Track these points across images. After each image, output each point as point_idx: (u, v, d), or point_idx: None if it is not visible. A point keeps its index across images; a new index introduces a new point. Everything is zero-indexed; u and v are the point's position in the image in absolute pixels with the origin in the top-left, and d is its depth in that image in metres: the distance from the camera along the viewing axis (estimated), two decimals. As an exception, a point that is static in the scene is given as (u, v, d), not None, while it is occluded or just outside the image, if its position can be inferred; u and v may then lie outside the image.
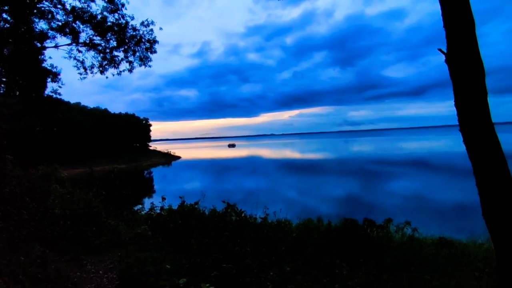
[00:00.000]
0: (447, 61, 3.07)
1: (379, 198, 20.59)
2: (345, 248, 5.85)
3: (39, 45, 9.71)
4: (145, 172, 51.02)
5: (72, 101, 57.69)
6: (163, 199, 10.25)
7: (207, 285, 3.78)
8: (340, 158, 52.30)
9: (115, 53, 10.18)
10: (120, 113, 67.81)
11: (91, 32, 10.00)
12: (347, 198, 21.44)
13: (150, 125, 74.15)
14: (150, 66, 10.83)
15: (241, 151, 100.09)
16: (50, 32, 9.75)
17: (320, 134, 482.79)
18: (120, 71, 10.79)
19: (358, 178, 29.57)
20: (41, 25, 9.48)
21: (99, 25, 9.69)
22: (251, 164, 51.74)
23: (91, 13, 9.63)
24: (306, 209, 18.71)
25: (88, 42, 10.10)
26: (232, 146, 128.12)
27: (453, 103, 3.02)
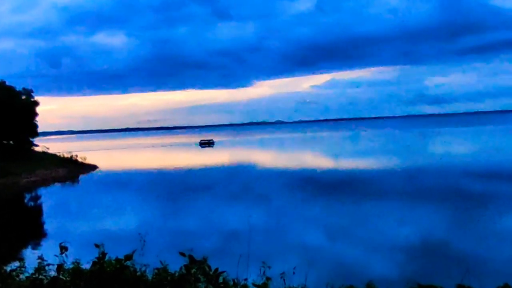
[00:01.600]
0: None
1: (486, 246, 20.87)
2: None
3: None
4: (27, 195, 51.56)
5: None
6: (63, 249, 9.71)
7: None
8: (409, 168, 53.25)
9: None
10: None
11: None
12: (422, 245, 21.67)
13: (37, 103, 74.97)
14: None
15: (221, 154, 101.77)
16: None
17: (371, 121, 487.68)
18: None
19: (443, 207, 30.11)
20: None
21: None
22: (238, 179, 52.46)
23: None
24: (342, 267, 19.01)
25: None
26: (207, 144, 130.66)
27: None
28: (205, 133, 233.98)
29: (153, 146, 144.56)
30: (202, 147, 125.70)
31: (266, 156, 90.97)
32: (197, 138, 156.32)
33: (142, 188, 49.78)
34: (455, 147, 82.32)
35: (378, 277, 13.19)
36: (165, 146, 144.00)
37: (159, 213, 34.38)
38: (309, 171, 56.78)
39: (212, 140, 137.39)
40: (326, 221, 28.06)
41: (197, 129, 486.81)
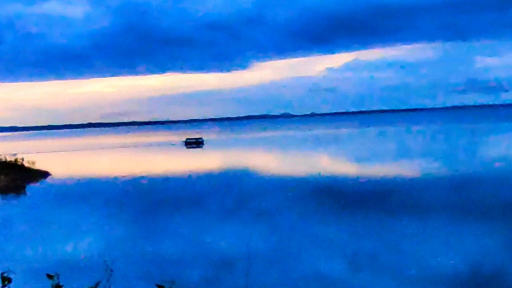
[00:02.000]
0: None
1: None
2: None
3: None
4: None
5: None
6: (6, 280, 9.98)
7: None
8: (455, 176, 53.64)
9: None
10: None
11: None
12: (472, 277, 21.87)
13: None
14: None
15: (211, 157, 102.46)
16: None
17: (405, 114, 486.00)
18: None
19: (500, 227, 30.14)
20: None
21: None
22: (234, 190, 52.80)
23: None
24: None
25: None
26: (194, 143, 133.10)
27: None
28: (190, 130, 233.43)
29: (123, 147, 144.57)
30: (188, 147, 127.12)
31: (269, 160, 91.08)
32: (180, 136, 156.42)
33: (109, 201, 49.87)
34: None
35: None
36: (139, 146, 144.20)
37: (131, 234, 34.44)
38: (325, 179, 56.83)
39: (201, 138, 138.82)
40: (348, 245, 28.15)
41: (179, 125, 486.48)
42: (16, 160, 73.33)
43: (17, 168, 71.64)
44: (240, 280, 18.13)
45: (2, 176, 67.50)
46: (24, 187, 63.88)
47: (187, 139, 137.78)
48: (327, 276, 23.34)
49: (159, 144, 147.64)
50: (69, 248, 30.62)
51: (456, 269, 23.07)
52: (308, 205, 42.21)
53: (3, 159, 73.43)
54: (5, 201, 56.51)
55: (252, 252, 24.56)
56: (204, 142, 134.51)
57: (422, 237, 29.32)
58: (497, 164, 61.18)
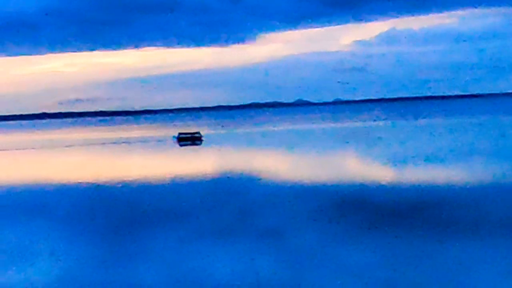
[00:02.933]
0: None
1: None
2: None
3: None
4: None
5: None
6: None
7: None
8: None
9: None
10: None
11: None
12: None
13: None
14: None
15: (205, 158, 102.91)
16: None
17: (462, 102, 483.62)
18: None
19: None
20: None
21: None
22: (235, 202, 53.06)
23: None
24: None
25: None
26: (190, 140, 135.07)
27: None
28: (177, 122, 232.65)
29: (87, 145, 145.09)
30: (181, 144, 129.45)
31: (280, 161, 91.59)
32: (169, 130, 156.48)
33: (70, 216, 50.23)
34: None
35: None
36: (112, 143, 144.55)
37: (98, 260, 34.52)
38: (352, 188, 57.19)
39: (198, 133, 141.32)
40: (381, 273, 27.88)
41: (163, 116, 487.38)
42: None
43: None
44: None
45: None
46: None
47: (179, 134, 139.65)
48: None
49: (142, 141, 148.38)
50: (15, 277, 30.67)
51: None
52: (327, 217, 42.67)
53: None
54: None
55: (259, 275, 24.56)
56: (203, 139, 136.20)
57: (469, 258, 29.41)
58: None
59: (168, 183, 69.20)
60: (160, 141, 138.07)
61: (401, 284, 26.74)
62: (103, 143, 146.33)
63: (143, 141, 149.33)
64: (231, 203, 53.28)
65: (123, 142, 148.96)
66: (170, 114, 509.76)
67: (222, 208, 50.63)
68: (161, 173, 79.60)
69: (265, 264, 30.35)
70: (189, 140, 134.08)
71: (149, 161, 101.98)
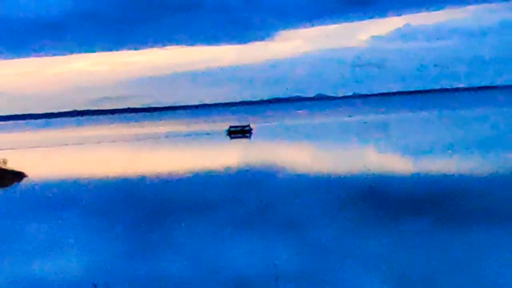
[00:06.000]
0: None
1: None
2: None
3: None
4: None
5: None
6: None
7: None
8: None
9: None
10: None
11: None
12: None
13: None
14: None
15: (243, 150, 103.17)
16: None
17: (480, 93, 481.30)
18: None
19: None
20: None
21: None
22: (255, 194, 52.84)
23: None
24: None
25: None
26: (238, 132, 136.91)
27: None
28: (202, 117, 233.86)
29: (113, 141, 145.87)
30: (232, 137, 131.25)
31: (299, 153, 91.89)
32: (189, 126, 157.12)
33: (98, 209, 50.40)
34: None
35: None
36: (141, 140, 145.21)
37: (124, 251, 34.65)
38: (372, 179, 56.83)
39: (248, 126, 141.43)
40: (400, 265, 27.63)
41: (188, 111, 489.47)
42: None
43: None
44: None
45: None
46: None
47: (230, 127, 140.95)
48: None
49: (165, 136, 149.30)
50: (49, 267, 30.79)
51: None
52: (347, 209, 42.36)
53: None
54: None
55: (279, 266, 24.32)
56: (253, 132, 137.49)
57: (489, 246, 29.21)
58: None
59: (185, 173, 69.55)
60: (208, 134, 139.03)
61: (418, 274, 26.35)
62: (135, 140, 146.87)
63: (173, 134, 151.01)
64: (248, 193, 53.41)
65: (152, 137, 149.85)
66: (191, 110, 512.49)
67: (239, 199, 50.86)
68: (183, 164, 79.58)
69: (287, 253, 30.47)
70: (241, 133, 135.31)
71: (177, 153, 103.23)
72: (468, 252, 29.18)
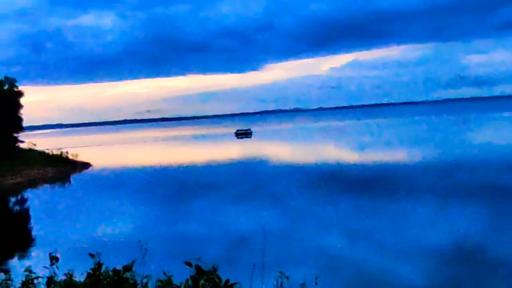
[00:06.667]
0: None
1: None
2: None
3: None
4: (12, 199, 52.03)
5: None
6: (54, 259, 9.74)
7: None
8: (445, 162, 52.93)
9: None
10: None
11: None
12: (457, 251, 21.49)
13: (21, 93, 74.87)
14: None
15: (246, 145, 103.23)
16: None
17: (402, 107, 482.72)
18: None
19: (483, 207, 29.69)
20: None
21: None
22: (251, 177, 52.92)
23: None
24: (369, 276, 19.01)
25: None
26: (243, 134, 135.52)
27: None
28: (214, 125, 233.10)
29: (155, 140, 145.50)
30: (239, 137, 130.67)
31: (283, 148, 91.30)
32: (203, 130, 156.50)
33: (142, 188, 50.13)
34: (498, 136, 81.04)
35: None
36: (168, 139, 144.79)
37: (162, 218, 34.50)
38: (331, 166, 56.54)
39: (249, 129, 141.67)
40: (351, 224, 27.79)
41: (204, 120, 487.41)
42: (61, 153, 74.14)
43: (63, 161, 72.59)
44: (258, 248, 18.33)
45: (50, 168, 68.38)
46: (68, 177, 64.80)
47: (237, 130, 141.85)
48: (336, 245, 23.47)
49: (187, 138, 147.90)
50: (108, 230, 30.77)
51: (442, 242, 22.75)
52: (315, 186, 42.15)
53: (50, 153, 74.30)
54: (52, 189, 57.30)
55: (266, 227, 24.63)
56: (252, 133, 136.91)
57: (416, 215, 29.11)
58: (483, 149, 60.49)
59: (202, 164, 67.96)
60: (203, 137, 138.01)
61: (363, 227, 26.59)
62: (164, 139, 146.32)
63: (191, 137, 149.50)
64: (246, 176, 53.03)
65: (178, 138, 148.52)
66: (205, 120, 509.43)
67: (239, 180, 50.64)
68: (199, 157, 78.57)
69: (272, 217, 30.72)
70: (244, 134, 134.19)
71: (194, 149, 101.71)
72: (394, 214, 29.80)
